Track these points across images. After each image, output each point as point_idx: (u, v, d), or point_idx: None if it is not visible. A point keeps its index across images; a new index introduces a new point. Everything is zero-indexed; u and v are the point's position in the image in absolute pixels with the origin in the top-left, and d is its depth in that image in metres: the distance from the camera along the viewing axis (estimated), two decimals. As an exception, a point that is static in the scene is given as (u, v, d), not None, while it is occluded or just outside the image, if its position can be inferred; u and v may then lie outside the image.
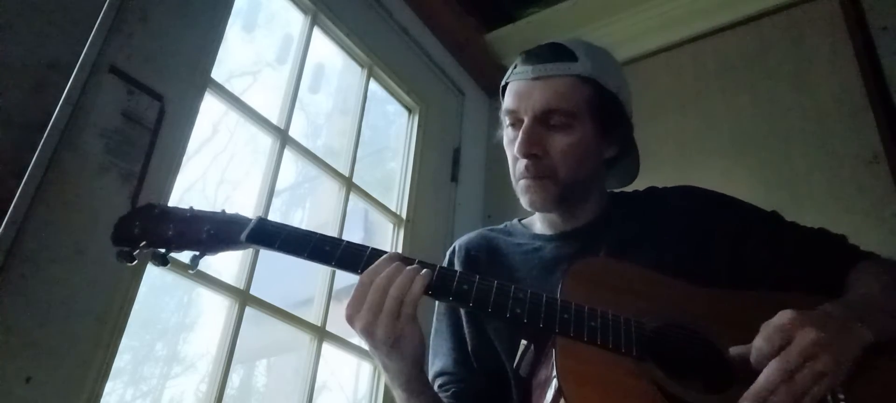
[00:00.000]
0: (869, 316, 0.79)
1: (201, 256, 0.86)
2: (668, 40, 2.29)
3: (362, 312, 0.81)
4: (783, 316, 0.76)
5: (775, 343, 0.74)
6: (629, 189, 1.14)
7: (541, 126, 0.97)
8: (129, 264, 0.86)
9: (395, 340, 0.81)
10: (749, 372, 0.75)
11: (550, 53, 0.99)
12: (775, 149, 1.91)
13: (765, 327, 0.76)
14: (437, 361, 1.07)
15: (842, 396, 0.75)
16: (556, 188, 0.98)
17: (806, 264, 0.95)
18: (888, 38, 1.82)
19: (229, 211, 0.90)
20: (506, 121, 1.03)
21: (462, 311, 1.07)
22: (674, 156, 2.07)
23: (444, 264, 1.09)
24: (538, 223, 1.12)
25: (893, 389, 0.78)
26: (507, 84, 1.04)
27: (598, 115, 0.99)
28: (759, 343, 0.75)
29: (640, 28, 2.34)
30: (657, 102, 2.20)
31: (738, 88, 2.07)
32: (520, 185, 1.01)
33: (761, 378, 0.72)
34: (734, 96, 2.07)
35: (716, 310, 0.85)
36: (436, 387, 1.03)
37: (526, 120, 0.97)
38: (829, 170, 1.79)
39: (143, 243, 0.84)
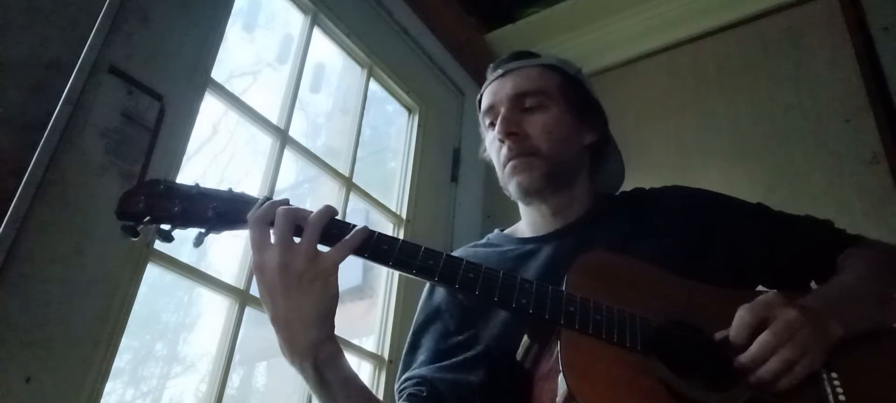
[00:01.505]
0: (844, 309, 0.83)
1: (206, 234, 0.83)
2: (668, 40, 2.29)
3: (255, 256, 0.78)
4: (767, 295, 0.80)
5: (759, 315, 0.77)
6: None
7: (517, 110, 1.02)
8: (133, 239, 0.83)
9: (297, 281, 0.75)
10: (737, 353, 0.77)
11: (516, 55, 1.09)
12: (775, 149, 1.91)
13: (748, 306, 0.80)
14: (413, 366, 1.00)
15: (835, 375, 0.77)
16: (542, 163, 1.00)
17: (800, 252, 0.98)
18: (888, 38, 1.82)
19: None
20: (485, 122, 1.08)
21: (448, 321, 1.02)
22: (673, 157, 2.07)
23: (427, 285, 1.06)
24: (525, 226, 1.10)
25: (883, 377, 0.80)
26: (482, 98, 1.10)
27: (570, 97, 1.05)
28: (741, 315, 0.79)
29: (640, 28, 2.34)
30: (657, 103, 2.20)
31: (737, 89, 2.07)
32: (506, 170, 1.02)
33: (754, 347, 0.75)
34: (734, 96, 2.07)
35: (719, 309, 0.85)
36: (402, 384, 0.97)
37: (502, 108, 1.03)
38: (829, 170, 1.79)
39: (148, 218, 0.81)
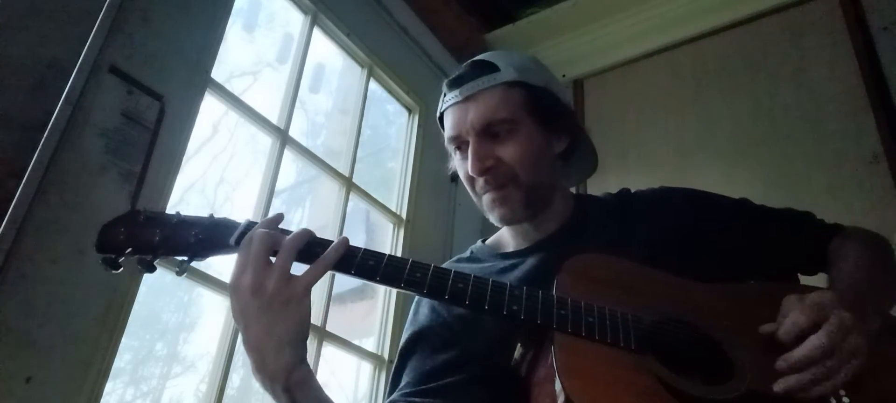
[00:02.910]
0: (872, 303, 0.82)
1: (190, 262, 0.83)
2: (668, 40, 2.29)
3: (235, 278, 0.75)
4: (821, 294, 0.78)
5: (812, 317, 0.75)
6: (599, 192, 1.13)
7: (486, 140, 0.97)
8: (115, 271, 0.83)
9: (269, 304, 0.73)
10: (762, 356, 0.76)
11: (473, 72, 1.00)
12: (775, 149, 1.91)
13: (797, 302, 0.78)
14: (400, 388, 0.98)
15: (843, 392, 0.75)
16: (520, 193, 0.97)
17: (787, 245, 0.99)
18: (888, 38, 1.83)
19: (229, 211, 0.88)
20: (451, 148, 1.04)
21: (433, 341, 1.00)
22: (673, 157, 2.07)
23: (413, 305, 1.06)
24: (508, 239, 1.09)
25: (884, 371, 0.79)
26: (443, 115, 1.04)
27: (537, 113, 1.00)
28: (794, 316, 0.76)
29: (640, 28, 2.34)
30: (657, 103, 2.20)
31: (737, 89, 2.08)
32: (485, 202, 1.00)
33: (804, 349, 0.73)
34: (734, 96, 2.07)
35: (711, 304, 0.85)
36: None
37: (470, 140, 0.98)
38: (829, 170, 1.79)
39: (129, 250, 0.81)
